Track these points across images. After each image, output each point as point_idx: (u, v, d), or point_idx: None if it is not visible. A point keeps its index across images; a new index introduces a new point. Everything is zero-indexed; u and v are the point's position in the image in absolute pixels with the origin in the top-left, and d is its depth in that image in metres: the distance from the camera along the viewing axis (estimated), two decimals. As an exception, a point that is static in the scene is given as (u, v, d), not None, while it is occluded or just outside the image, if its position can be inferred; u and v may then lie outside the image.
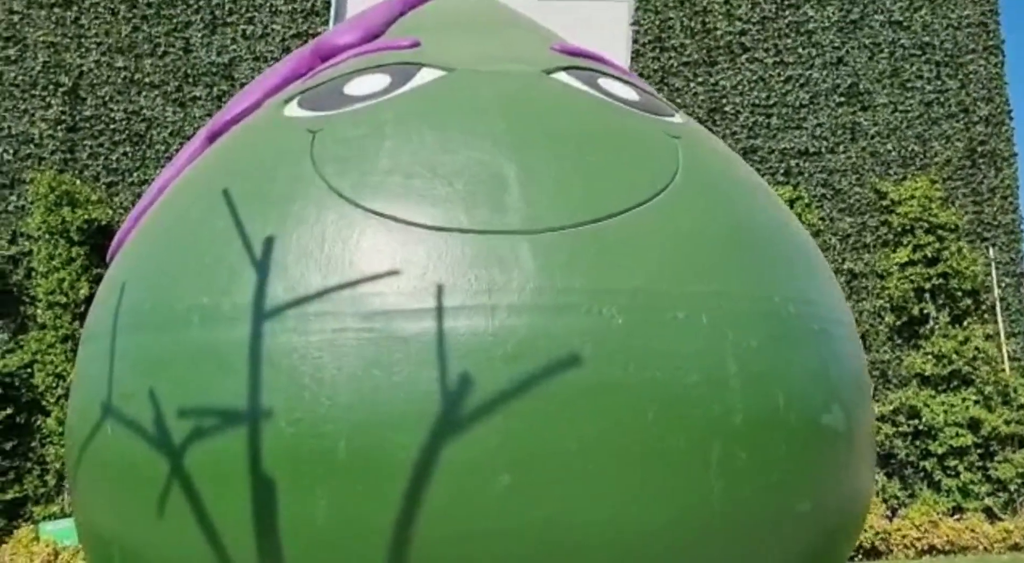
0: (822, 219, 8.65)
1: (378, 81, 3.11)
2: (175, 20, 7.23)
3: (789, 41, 8.58)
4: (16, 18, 7.12)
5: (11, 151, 7.11)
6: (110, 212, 6.91)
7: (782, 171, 8.51)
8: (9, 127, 7.14)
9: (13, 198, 7.10)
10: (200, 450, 2.63)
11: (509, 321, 2.37)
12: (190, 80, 7.19)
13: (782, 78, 8.58)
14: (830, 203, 8.72)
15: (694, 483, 2.44)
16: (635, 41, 7.99)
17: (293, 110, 3.17)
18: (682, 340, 2.47)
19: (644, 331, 2.44)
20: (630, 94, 3.23)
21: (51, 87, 7.19)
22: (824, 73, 8.64)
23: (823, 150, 8.58)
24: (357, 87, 3.12)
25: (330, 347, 2.45)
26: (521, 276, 2.43)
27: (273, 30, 7.37)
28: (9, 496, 6.65)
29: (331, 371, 2.43)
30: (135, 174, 7.10)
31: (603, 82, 3.23)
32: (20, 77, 7.17)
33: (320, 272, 2.55)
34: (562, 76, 3.17)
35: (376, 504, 2.36)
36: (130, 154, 7.12)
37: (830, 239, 8.66)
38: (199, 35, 7.22)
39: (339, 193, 2.67)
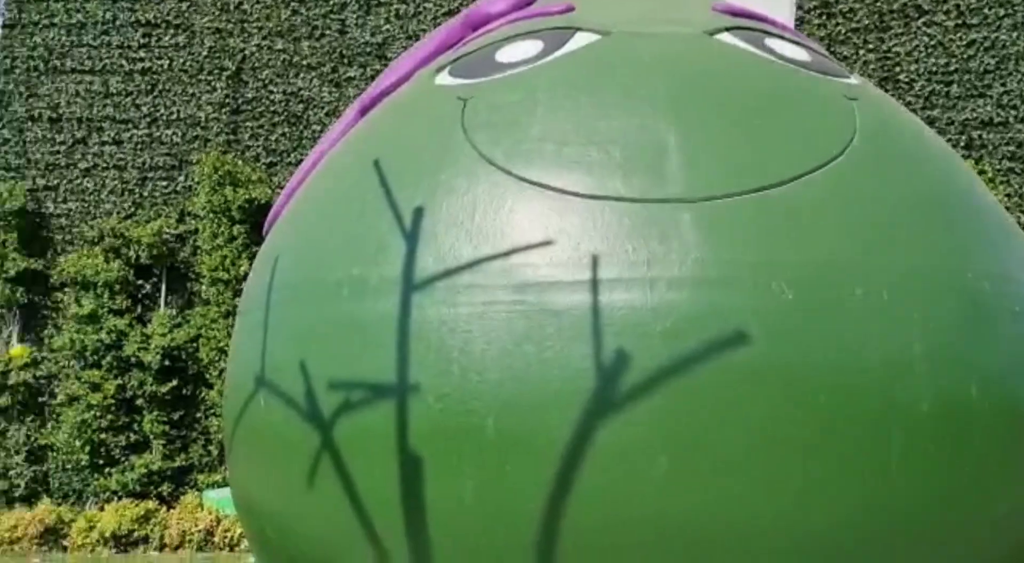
0: (1008, 196, 7.97)
1: (531, 47, 2.99)
2: (331, 2, 7.37)
3: (973, 1, 7.93)
4: (184, 6, 7.44)
5: (180, 134, 7.45)
6: (269, 191, 7.12)
7: (963, 144, 7.88)
8: (178, 110, 7.47)
9: (181, 178, 7.43)
10: (349, 423, 2.59)
11: (669, 295, 2.21)
12: (345, 61, 7.32)
13: (964, 42, 7.93)
14: (1019, 178, 8.03)
15: (871, 478, 2.21)
16: (799, 7, 7.58)
17: (444, 79, 3.10)
18: (860, 319, 2.24)
19: (817, 308, 2.23)
20: (800, 54, 2.99)
21: (216, 71, 7.48)
22: (1014, 35, 7.91)
23: (1011, 120, 7.89)
24: (509, 54, 3.01)
25: (480, 320, 2.36)
26: (682, 247, 2.26)
27: (425, 8, 7.40)
28: (176, 463, 7.00)
29: (480, 345, 2.34)
30: (292, 154, 7.30)
31: (770, 42, 3.00)
32: (188, 63, 7.49)
33: (471, 242, 2.46)
34: (725, 37, 2.96)
35: (525, 486, 2.25)
36: (288, 135, 7.32)
37: (1020, 218, 7.99)
38: (354, 16, 7.33)
39: (490, 161, 2.57)
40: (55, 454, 7.12)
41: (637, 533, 2.22)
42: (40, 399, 7.25)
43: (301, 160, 7.23)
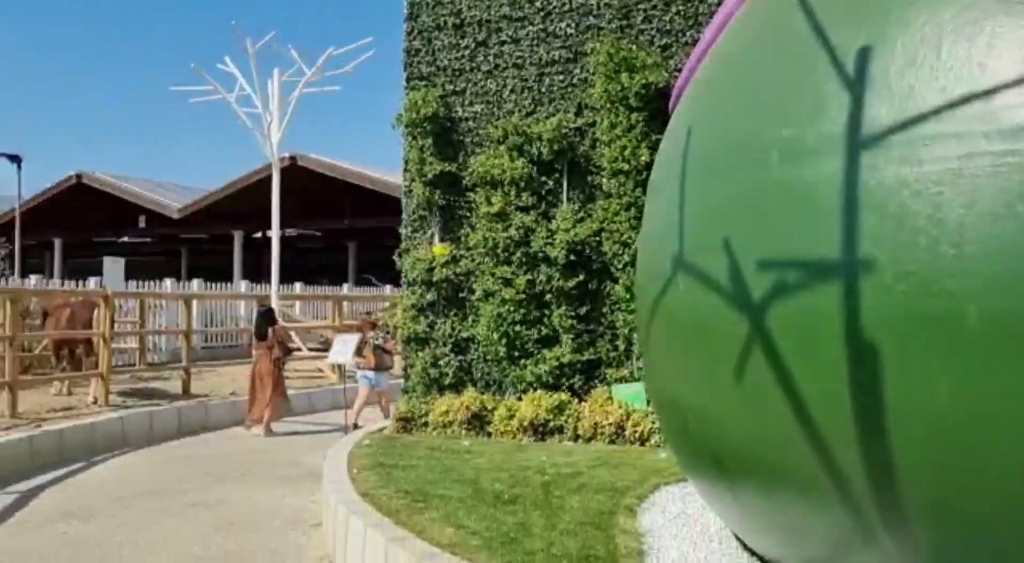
0: None
1: None
2: None
3: None
4: None
5: (573, 25, 7.36)
6: (666, 75, 6.82)
7: None
8: (570, 1, 7.39)
9: (576, 71, 7.37)
10: (783, 309, 2.25)
11: None
12: (741, -77, 6.69)
13: None
14: None
15: None
16: None
17: None
18: None
19: None
20: None
21: (606, -46, 7.26)
22: None
23: None
24: None
25: (954, 179, 1.88)
26: None
27: None
28: (585, 357, 7.12)
29: (956, 210, 1.87)
30: (688, 34, 6.90)
31: None
32: (577, -50, 7.34)
33: (936, 84, 1.97)
34: None
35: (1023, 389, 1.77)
36: (683, 12, 6.92)
37: None
38: None
39: (959, -22, 2.03)
40: (476, 346, 7.58)
41: None
42: (460, 294, 7.72)
43: (697, 39, 6.83)
